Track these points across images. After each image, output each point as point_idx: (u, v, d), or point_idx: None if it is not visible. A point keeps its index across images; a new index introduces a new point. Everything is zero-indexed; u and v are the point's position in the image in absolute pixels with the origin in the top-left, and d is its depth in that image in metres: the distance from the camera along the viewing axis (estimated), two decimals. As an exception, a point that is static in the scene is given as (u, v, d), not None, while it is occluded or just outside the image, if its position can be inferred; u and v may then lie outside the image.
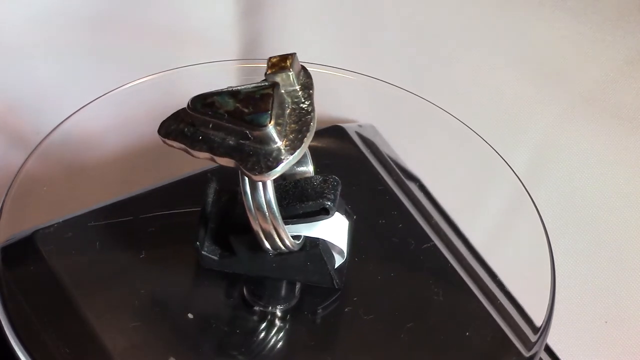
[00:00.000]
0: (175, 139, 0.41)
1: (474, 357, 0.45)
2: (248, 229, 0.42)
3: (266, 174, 0.39)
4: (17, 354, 0.42)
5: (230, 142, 0.40)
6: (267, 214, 0.41)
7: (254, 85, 0.41)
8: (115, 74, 0.59)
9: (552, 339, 0.49)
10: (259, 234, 0.42)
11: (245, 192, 0.41)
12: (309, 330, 0.45)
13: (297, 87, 0.42)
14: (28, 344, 0.42)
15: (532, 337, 0.45)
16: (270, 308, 0.45)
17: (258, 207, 0.41)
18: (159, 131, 0.41)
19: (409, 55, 0.62)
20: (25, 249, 0.46)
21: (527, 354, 0.45)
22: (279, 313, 0.45)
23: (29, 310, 0.44)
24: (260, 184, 0.40)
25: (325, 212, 0.43)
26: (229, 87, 0.41)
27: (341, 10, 0.64)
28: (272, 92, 0.41)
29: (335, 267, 0.45)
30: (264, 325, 0.45)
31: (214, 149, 0.40)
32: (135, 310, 0.45)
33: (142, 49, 0.62)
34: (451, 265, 0.48)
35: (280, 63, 0.42)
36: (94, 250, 0.46)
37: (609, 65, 0.61)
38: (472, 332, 0.46)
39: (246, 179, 0.40)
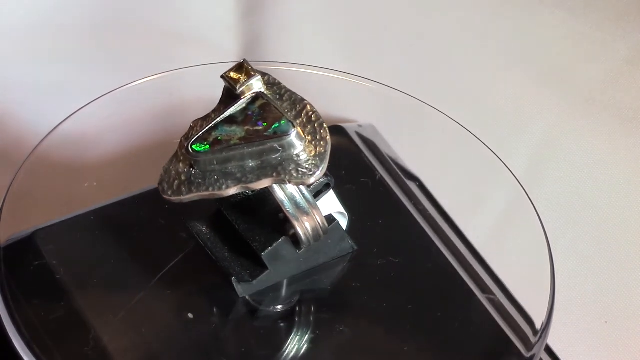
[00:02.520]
0: (190, 192, 0.40)
1: (474, 357, 0.45)
2: (272, 241, 0.42)
3: (317, 173, 0.40)
4: (19, 353, 0.42)
5: (251, 164, 0.40)
6: (309, 209, 0.41)
7: (240, 104, 0.41)
8: (115, 75, 0.59)
9: (552, 339, 0.49)
10: (299, 233, 0.42)
11: (282, 201, 0.41)
12: (309, 329, 0.45)
13: (264, 88, 0.42)
14: (30, 343, 0.42)
15: (533, 338, 0.45)
16: (270, 308, 0.45)
17: (299, 207, 0.41)
18: (164, 194, 0.40)
19: (408, 55, 0.62)
20: (25, 249, 0.46)
21: (527, 354, 0.45)
22: (279, 313, 0.45)
23: (29, 310, 0.44)
24: (294, 186, 0.40)
25: (327, 187, 0.43)
26: (202, 119, 0.41)
27: (340, 11, 0.64)
28: (267, 101, 0.41)
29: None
30: (264, 325, 0.45)
31: (242, 180, 0.40)
32: (135, 310, 0.45)
33: (142, 50, 0.62)
34: (451, 265, 0.48)
35: (243, 73, 0.42)
36: (94, 250, 0.46)
37: (609, 65, 0.61)
38: (472, 332, 0.46)
39: (277, 189, 0.40)
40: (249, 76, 0.41)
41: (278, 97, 0.42)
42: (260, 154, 0.40)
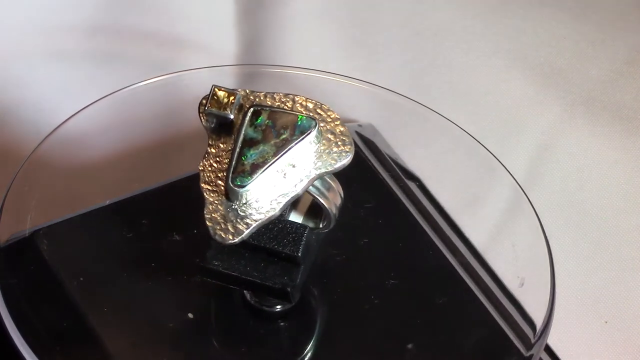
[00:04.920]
0: (249, 226, 0.40)
1: (474, 357, 0.45)
2: (299, 236, 0.42)
3: (352, 150, 0.41)
4: (20, 352, 0.42)
5: (286, 171, 0.40)
6: (336, 189, 0.42)
7: (246, 125, 0.40)
8: (115, 77, 0.59)
9: (552, 339, 0.49)
10: (331, 212, 0.42)
11: (311, 189, 0.41)
12: (309, 329, 0.45)
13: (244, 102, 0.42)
14: (30, 343, 0.42)
15: (532, 337, 0.45)
16: (270, 307, 0.45)
17: (329, 189, 0.41)
18: (225, 241, 0.40)
19: (408, 56, 0.62)
20: (25, 249, 0.46)
21: (526, 354, 0.45)
22: (279, 312, 0.45)
23: (29, 310, 0.44)
24: None
25: None
26: (206, 159, 0.41)
27: (339, 12, 0.64)
28: (270, 109, 0.41)
29: None
30: (264, 324, 0.45)
31: (291, 191, 0.40)
32: (135, 310, 0.45)
33: (142, 52, 0.62)
34: (451, 265, 0.48)
35: (225, 94, 0.41)
36: (94, 250, 0.46)
37: (609, 65, 0.61)
38: (472, 332, 0.46)
39: (300, 182, 0.40)
40: (234, 94, 0.41)
41: (261, 100, 0.42)
42: (292, 159, 0.40)
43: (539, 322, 0.45)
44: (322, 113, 0.41)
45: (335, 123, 0.41)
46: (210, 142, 0.41)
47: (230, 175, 0.40)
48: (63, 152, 0.50)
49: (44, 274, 0.45)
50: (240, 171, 0.40)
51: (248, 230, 0.40)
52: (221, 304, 0.45)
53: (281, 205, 0.40)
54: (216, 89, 0.41)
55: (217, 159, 0.41)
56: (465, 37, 0.62)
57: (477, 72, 0.61)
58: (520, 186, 0.48)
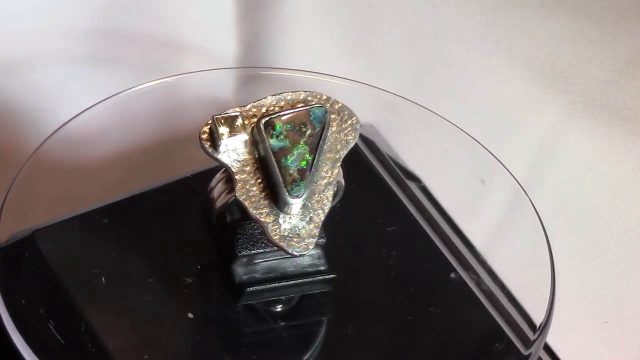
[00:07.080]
0: (318, 227, 0.40)
1: (474, 357, 0.45)
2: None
3: (359, 122, 0.42)
4: (20, 352, 0.42)
5: (322, 162, 0.41)
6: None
7: (266, 139, 0.41)
8: (116, 79, 0.59)
9: (552, 339, 0.49)
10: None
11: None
12: (309, 330, 0.45)
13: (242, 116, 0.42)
14: (30, 343, 0.42)
15: (532, 336, 0.45)
16: (271, 306, 0.45)
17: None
18: (304, 252, 0.40)
19: (408, 56, 0.62)
20: (25, 249, 0.46)
21: (525, 352, 0.45)
22: (279, 313, 0.45)
23: (29, 310, 0.44)
24: None
25: None
26: (243, 188, 0.40)
27: (340, 13, 0.64)
28: (279, 114, 0.41)
29: None
30: (264, 325, 0.45)
31: (331, 181, 0.41)
32: (136, 310, 0.45)
33: (143, 54, 0.62)
34: (451, 264, 0.48)
35: (228, 119, 0.41)
36: (94, 250, 0.46)
37: (609, 65, 0.61)
38: (472, 331, 0.46)
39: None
40: (235, 118, 0.41)
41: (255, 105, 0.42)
42: (323, 150, 0.41)
43: (538, 322, 0.45)
44: (312, 99, 0.42)
45: (330, 102, 0.42)
46: (234, 171, 0.41)
47: (284, 189, 0.40)
48: (63, 153, 0.50)
49: (44, 274, 0.45)
50: (291, 181, 0.40)
51: (319, 232, 0.40)
52: (221, 304, 0.45)
53: (331, 195, 0.41)
54: (218, 118, 0.41)
55: (252, 182, 0.41)
56: (465, 37, 0.62)
57: (477, 72, 0.61)
58: (520, 186, 0.48)
